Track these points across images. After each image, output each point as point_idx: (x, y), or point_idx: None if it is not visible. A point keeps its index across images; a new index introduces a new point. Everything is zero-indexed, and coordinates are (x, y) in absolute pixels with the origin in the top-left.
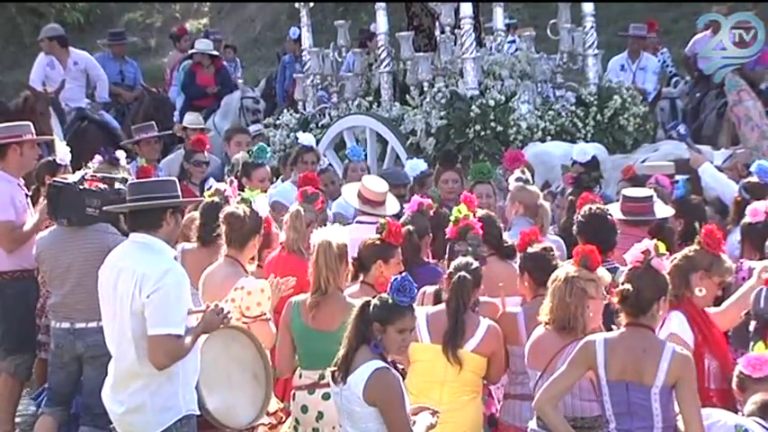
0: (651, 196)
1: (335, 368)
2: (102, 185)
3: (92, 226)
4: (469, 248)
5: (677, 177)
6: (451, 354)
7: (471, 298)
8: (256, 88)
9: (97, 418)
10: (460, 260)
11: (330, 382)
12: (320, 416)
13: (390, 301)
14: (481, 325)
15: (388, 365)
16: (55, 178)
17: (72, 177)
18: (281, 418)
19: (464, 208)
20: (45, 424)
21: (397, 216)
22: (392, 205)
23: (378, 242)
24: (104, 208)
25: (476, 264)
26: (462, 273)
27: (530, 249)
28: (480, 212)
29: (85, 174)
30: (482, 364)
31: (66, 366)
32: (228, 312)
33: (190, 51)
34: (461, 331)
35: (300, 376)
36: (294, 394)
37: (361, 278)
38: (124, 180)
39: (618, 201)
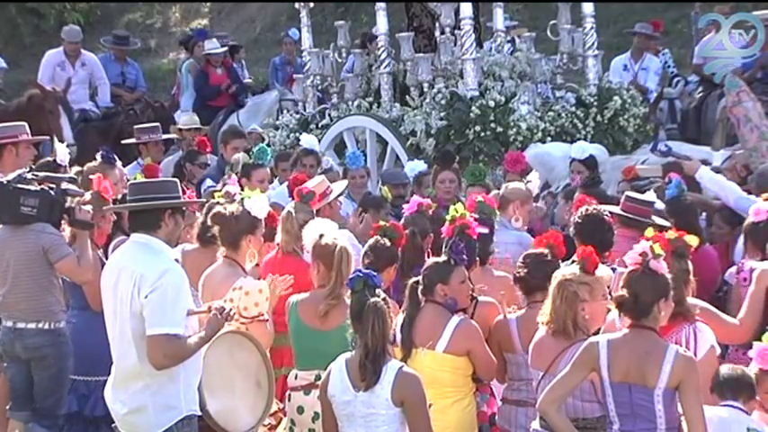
0: (654, 203)
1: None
2: (43, 186)
3: (29, 226)
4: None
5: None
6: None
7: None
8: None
9: (45, 419)
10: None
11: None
12: (317, 416)
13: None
14: (449, 324)
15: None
16: None
17: (9, 176)
18: (281, 418)
19: (461, 207)
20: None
21: (397, 217)
22: (338, 184)
23: (391, 246)
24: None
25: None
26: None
27: (527, 252)
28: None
29: (23, 173)
30: (459, 363)
31: (13, 363)
32: (231, 310)
33: (203, 53)
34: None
35: (296, 377)
36: (289, 395)
37: None
38: (72, 180)
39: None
